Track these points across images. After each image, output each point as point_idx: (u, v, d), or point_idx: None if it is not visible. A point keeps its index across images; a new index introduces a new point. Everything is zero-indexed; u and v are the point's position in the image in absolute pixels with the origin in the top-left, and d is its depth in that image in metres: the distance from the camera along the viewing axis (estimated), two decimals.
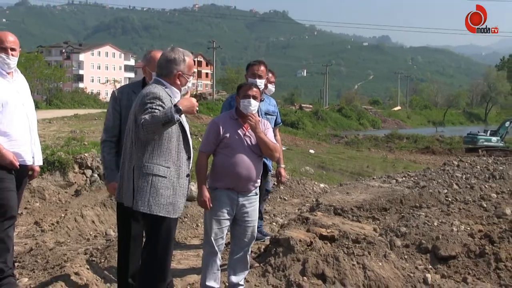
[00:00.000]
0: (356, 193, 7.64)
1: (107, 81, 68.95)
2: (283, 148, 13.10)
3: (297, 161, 18.18)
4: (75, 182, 8.89)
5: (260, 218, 5.58)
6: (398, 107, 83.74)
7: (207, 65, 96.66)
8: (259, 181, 3.95)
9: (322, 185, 10.90)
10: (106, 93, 71.91)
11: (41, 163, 4.11)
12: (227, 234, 3.96)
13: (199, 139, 12.55)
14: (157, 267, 3.34)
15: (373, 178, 10.49)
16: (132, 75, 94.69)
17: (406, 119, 71.26)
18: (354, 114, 60.46)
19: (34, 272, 4.50)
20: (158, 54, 3.60)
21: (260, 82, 4.67)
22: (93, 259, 4.92)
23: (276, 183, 5.54)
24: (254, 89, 3.93)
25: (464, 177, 8.83)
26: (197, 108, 3.30)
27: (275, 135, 4.45)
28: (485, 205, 6.32)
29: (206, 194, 3.78)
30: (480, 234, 5.12)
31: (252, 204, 3.92)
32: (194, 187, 7.03)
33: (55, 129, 16.97)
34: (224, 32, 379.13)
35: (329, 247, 4.44)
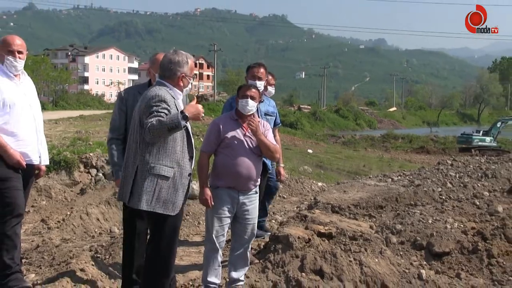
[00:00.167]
0: (353, 192, 7.71)
1: (112, 83, 69.12)
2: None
3: (295, 160, 18.25)
4: (81, 181, 8.95)
5: (265, 214, 5.65)
6: (394, 108, 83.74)
7: (208, 67, 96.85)
8: (259, 180, 4.03)
9: (320, 184, 10.97)
10: (110, 95, 72.04)
11: (48, 163, 4.15)
12: (227, 231, 4.02)
13: (201, 139, 12.59)
14: (160, 264, 3.37)
15: (370, 177, 10.54)
16: (135, 77, 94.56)
17: (402, 119, 71.44)
18: (351, 115, 60.56)
19: (40, 268, 4.57)
20: (162, 57, 3.63)
21: (260, 84, 4.75)
22: (98, 255, 4.96)
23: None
24: (253, 90, 4.00)
25: (457, 176, 8.90)
26: (203, 115, 3.34)
27: (274, 136, 4.52)
28: (478, 203, 6.37)
29: (208, 192, 3.85)
30: (473, 231, 5.21)
31: (252, 202, 3.99)
32: (196, 186, 7.06)
33: (61, 130, 16.97)
34: (225, 35, 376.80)
35: (326, 244, 4.47)
